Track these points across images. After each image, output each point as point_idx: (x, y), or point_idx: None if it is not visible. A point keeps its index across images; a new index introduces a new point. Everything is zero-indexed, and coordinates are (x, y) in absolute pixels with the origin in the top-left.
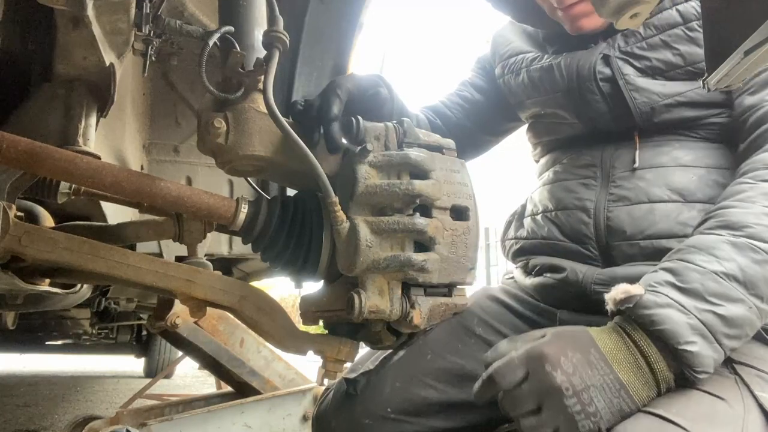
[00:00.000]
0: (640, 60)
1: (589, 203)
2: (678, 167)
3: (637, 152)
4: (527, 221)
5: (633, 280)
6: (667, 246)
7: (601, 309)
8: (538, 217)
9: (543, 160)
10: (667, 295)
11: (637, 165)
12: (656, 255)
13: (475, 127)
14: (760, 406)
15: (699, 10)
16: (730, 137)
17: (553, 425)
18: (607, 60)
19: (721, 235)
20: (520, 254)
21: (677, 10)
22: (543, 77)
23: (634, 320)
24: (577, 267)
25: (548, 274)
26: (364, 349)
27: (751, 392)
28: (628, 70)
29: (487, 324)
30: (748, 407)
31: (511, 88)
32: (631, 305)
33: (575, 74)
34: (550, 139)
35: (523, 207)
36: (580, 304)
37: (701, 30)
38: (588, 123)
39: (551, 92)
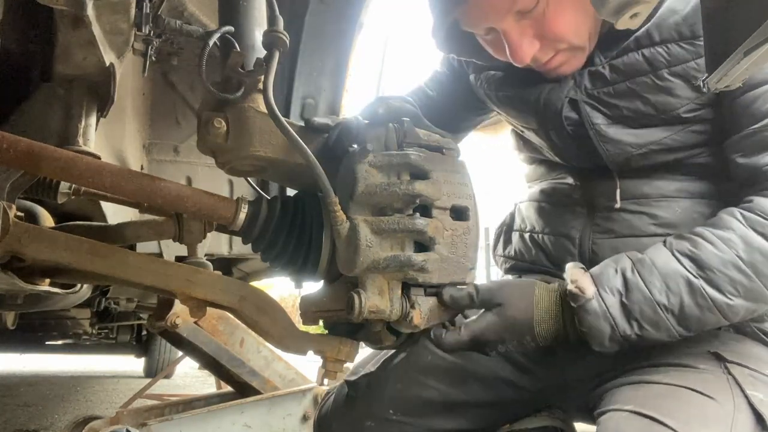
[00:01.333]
0: (609, 108)
1: (574, 231)
2: (662, 198)
3: (618, 190)
4: (515, 237)
5: None
6: None
7: None
8: (526, 236)
9: (529, 170)
10: (608, 309)
11: (618, 206)
12: None
13: (445, 124)
14: (751, 404)
15: (668, 57)
16: (716, 172)
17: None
18: (574, 105)
19: (684, 266)
20: (512, 271)
21: (643, 56)
22: (512, 106)
23: (574, 309)
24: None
25: None
26: (364, 350)
27: (743, 391)
28: (598, 119)
29: None
30: (738, 406)
31: (482, 96)
32: (575, 305)
33: (542, 113)
34: (533, 156)
35: (512, 217)
36: None
37: (672, 78)
38: (564, 159)
39: (524, 125)
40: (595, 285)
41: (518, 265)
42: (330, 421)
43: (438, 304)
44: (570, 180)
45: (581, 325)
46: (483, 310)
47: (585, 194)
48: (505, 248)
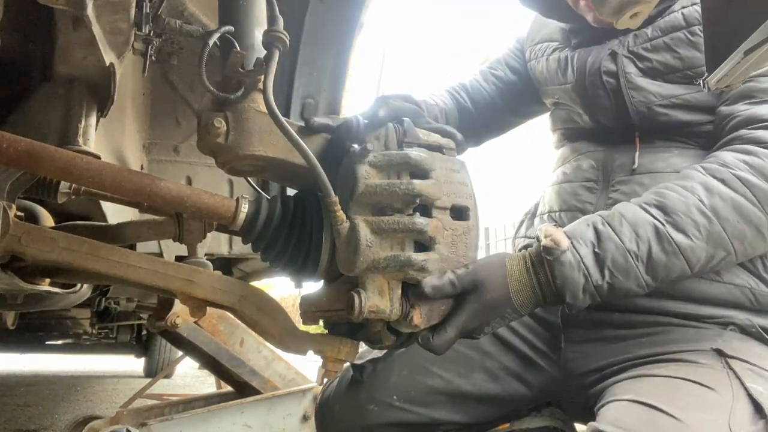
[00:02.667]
0: (642, 60)
1: (589, 206)
2: (673, 173)
3: (637, 154)
4: (537, 221)
5: None
6: None
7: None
8: (545, 217)
9: (557, 154)
10: (581, 259)
11: (635, 167)
12: None
13: (506, 106)
14: (750, 395)
15: (701, 12)
16: None
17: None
18: (614, 57)
19: (651, 214)
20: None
21: (682, 14)
22: (558, 68)
23: (547, 264)
24: None
25: None
26: (364, 349)
27: (742, 383)
28: (631, 68)
29: None
30: (737, 396)
31: (534, 73)
32: (550, 258)
33: (585, 68)
34: (566, 128)
35: (536, 206)
36: None
37: (703, 34)
38: (593, 117)
39: (564, 83)
40: (569, 238)
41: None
42: (333, 403)
43: (438, 304)
44: (590, 156)
45: (555, 278)
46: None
47: (604, 171)
48: (527, 231)
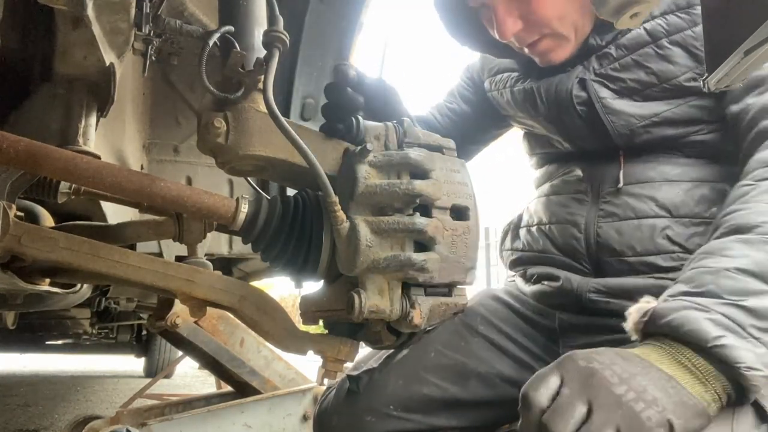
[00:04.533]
0: (615, 81)
1: (579, 218)
2: (665, 182)
3: (622, 171)
4: (522, 232)
5: (625, 289)
6: (655, 262)
7: (596, 312)
8: (533, 229)
9: (539, 173)
10: (681, 300)
11: (621, 184)
12: (646, 270)
13: (463, 138)
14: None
15: (666, 27)
16: (716, 152)
17: (612, 423)
18: (583, 84)
19: (730, 238)
20: (518, 264)
21: (644, 29)
22: (526, 100)
23: (661, 335)
24: (571, 276)
25: (545, 282)
26: (364, 349)
27: None
28: (605, 92)
29: (490, 323)
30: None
31: (500, 104)
32: (646, 318)
33: (554, 99)
34: (544, 152)
35: (519, 217)
36: (577, 308)
37: (671, 47)
38: (573, 144)
39: (535, 115)
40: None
41: (524, 257)
42: (330, 415)
43: (438, 304)
44: (578, 172)
45: (674, 332)
46: None
47: (592, 183)
48: (512, 243)
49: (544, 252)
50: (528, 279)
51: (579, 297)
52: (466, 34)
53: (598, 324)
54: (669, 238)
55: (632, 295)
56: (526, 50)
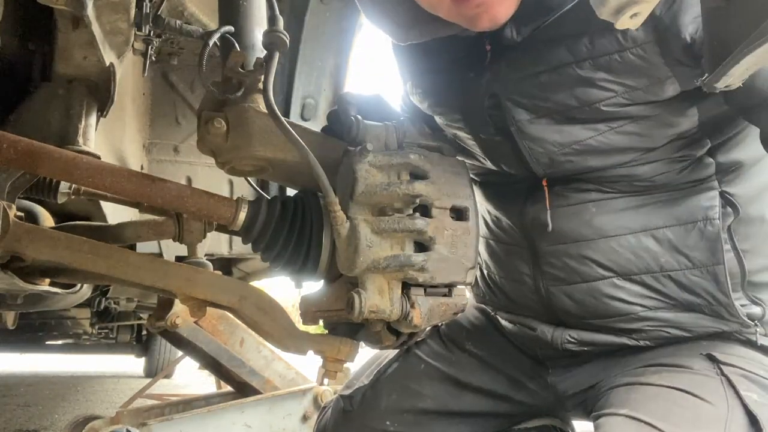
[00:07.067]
0: (532, 99)
1: (527, 278)
2: (600, 239)
3: (549, 213)
4: (479, 279)
5: (600, 342)
6: (617, 326)
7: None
8: (486, 278)
9: (477, 190)
10: None
11: (551, 229)
12: (613, 331)
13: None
14: (745, 406)
15: (589, 46)
16: (654, 186)
17: None
18: (496, 100)
19: None
20: (489, 305)
21: (566, 47)
22: (441, 98)
23: None
24: (545, 328)
25: (521, 327)
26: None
27: (737, 392)
28: (521, 115)
29: (477, 340)
30: (732, 407)
31: (424, 103)
32: None
33: (468, 110)
34: (474, 166)
35: None
36: (557, 353)
37: (594, 69)
38: (495, 163)
39: (452, 115)
40: None
41: (491, 303)
42: None
43: (438, 304)
44: (506, 218)
45: None
46: None
47: (522, 230)
48: (474, 287)
49: (508, 306)
50: (504, 318)
51: (556, 347)
52: (382, 12)
53: (581, 350)
54: (624, 301)
55: (609, 345)
56: (457, 11)
